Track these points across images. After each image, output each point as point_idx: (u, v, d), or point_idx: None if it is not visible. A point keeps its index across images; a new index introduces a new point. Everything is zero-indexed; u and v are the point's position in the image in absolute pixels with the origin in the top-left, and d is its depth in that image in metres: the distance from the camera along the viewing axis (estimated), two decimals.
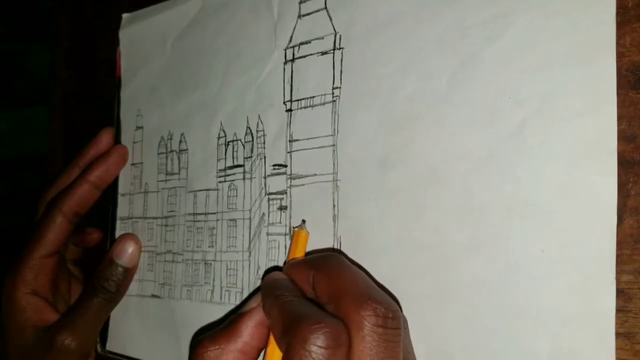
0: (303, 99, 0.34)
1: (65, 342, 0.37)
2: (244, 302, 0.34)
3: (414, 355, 0.27)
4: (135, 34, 0.45)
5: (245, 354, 0.26)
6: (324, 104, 0.33)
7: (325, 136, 0.33)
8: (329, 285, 0.25)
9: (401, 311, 0.25)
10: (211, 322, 0.37)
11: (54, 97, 0.59)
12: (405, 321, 0.27)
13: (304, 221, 0.32)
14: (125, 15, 0.46)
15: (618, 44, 0.24)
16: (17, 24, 0.86)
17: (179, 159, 0.41)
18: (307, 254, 0.31)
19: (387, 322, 0.23)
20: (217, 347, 0.26)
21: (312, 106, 0.34)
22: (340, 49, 0.33)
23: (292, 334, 0.23)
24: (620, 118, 0.24)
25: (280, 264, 0.34)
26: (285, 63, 0.35)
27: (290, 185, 0.34)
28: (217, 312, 0.37)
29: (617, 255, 0.23)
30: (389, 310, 0.23)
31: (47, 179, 0.56)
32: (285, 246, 0.34)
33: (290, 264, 0.29)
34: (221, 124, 0.38)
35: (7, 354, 0.40)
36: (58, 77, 0.58)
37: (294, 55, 0.35)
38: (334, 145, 0.32)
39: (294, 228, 0.32)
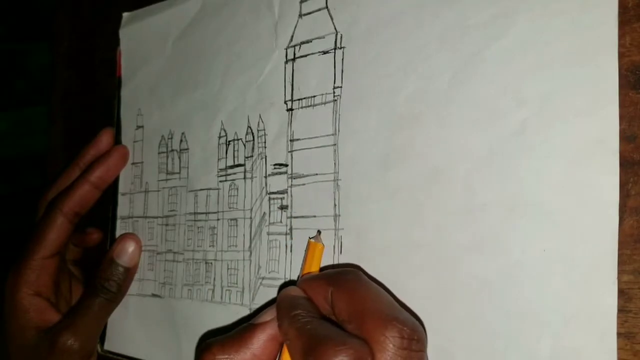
0: (304, 98, 0.34)
1: (68, 342, 0.38)
2: (254, 310, 0.35)
3: None
4: (136, 33, 0.45)
5: None
6: (324, 103, 0.33)
7: (326, 135, 0.33)
8: (350, 303, 0.24)
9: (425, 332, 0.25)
10: (219, 326, 0.37)
11: (54, 97, 0.59)
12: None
13: (319, 232, 0.32)
14: (125, 14, 0.46)
15: (618, 44, 0.24)
16: (17, 24, 0.86)
17: (179, 158, 0.41)
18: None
19: (411, 345, 0.22)
20: (225, 355, 0.25)
21: (313, 105, 0.34)
22: (341, 48, 0.33)
23: (315, 355, 0.22)
24: (620, 118, 0.24)
25: (281, 264, 0.34)
26: (286, 62, 0.35)
27: (291, 184, 0.34)
28: (217, 312, 0.37)
29: (618, 256, 0.23)
30: (414, 332, 0.22)
31: (47, 179, 0.56)
32: (286, 245, 0.34)
33: (306, 279, 0.28)
34: (222, 124, 0.38)
35: (8, 355, 0.40)
36: (58, 77, 0.58)
37: (294, 54, 0.35)
38: (334, 144, 0.32)
39: (309, 239, 0.31)
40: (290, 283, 0.33)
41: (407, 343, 0.22)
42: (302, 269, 0.31)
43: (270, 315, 0.27)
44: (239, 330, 0.27)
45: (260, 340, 0.26)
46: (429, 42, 0.29)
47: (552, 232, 0.25)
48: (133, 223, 0.44)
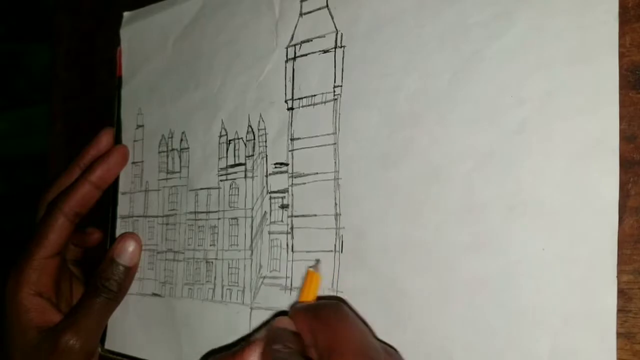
0: (304, 97, 0.34)
1: (69, 342, 0.38)
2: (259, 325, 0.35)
3: None
4: (136, 33, 0.45)
5: None
6: (325, 102, 0.33)
7: (327, 134, 0.33)
8: (325, 338, 0.25)
9: None
10: (221, 345, 0.37)
11: (55, 97, 0.59)
12: None
13: (318, 261, 0.32)
14: (126, 14, 0.46)
15: (618, 44, 0.24)
16: (17, 24, 0.86)
17: (180, 157, 0.41)
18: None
19: None
20: None
21: (314, 104, 0.34)
22: (341, 47, 0.33)
23: None
24: (620, 118, 0.24)
25: (282, 263, 0.34)
26: (287, 61, 0.35)
27: (292, 183, 0.34)
28: (218, 311, 0.37)
29: (617, 255, 0.23)
30: None
31: (47, 179, 0.57)
32: (287, 244, 0.34)
33: (295, 310, 0.29)
34: (222, 123, 0.38)
35: (9, 356, 0.40)
36: (58, 77, 0.59)
37: (295, 53, 0.35)
38: (335, 143, 0.32)
39: (308, 268, 0.32)
40: (282, 313, 0.34)
41: None
42: (299, 296, 0.31)
43: (262, 334, 0.27)
44: (236, 349, 0.27)
45: (252, 358, 0.27)
46: (429, 41, 0.29)
47: (552, 231, 0.25)
48: (133, 222, 0.44)
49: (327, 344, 0.25)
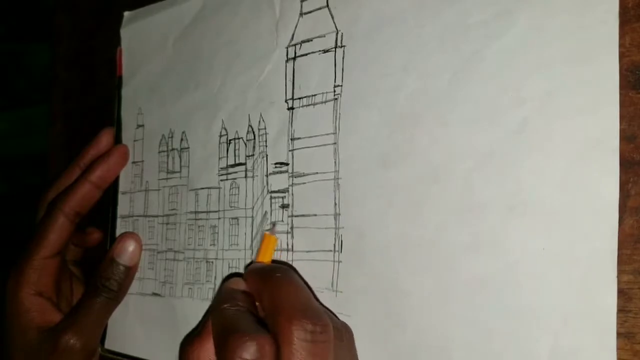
0: (304, 97, 0.34)
1: (70, 342, 0.38)
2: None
3: None
4: (137, 32, 0.46)
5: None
6: (325, 102, 0.33)
7: (327, 134, 0.33)
8: (269, 299, 0.27)
9: (347, 327, 0.29)
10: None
11: (54, 97, 0.59)
12: (347, 333, 0.29)
13: (274, 224, 0.34)
14: (126, 13, 0.46)
15: (618, 44, 0.24)
16: (17, 24, 0.86)
17: (180, 157, 0.41)
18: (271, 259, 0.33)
19: (315, 337, 0.24)
20: (194, 349, 0.27)
21: (314, 104, 0.34)
22: (341, 47, 0.33)
23: (224, 344, 0.25)
24: (620, 118, 0.24)
25: (283, 261, 0.34)
26: (287, 61, 0.35)
27: (292, 183, 0.34)
28: None
29: (617, 255, 0.23)
30: (317, 325, 0.25)
31: (47, 179, 0.56)
32: (287, 244, 0.34)
33: (248, 271, 0.30)
34: (222, 122, 0.38)
35: (10, 356, 0.40)
36: (58, 77, 0.59)
37: (295, 53, 0.35)
38: (335, 143, 0.32)
39: (265, 231, 0.34)
40: (236, 275, 0.34)
41: (311, 335, 0.24)
42: (255, 257, 0.33)
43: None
44: (201, 323, 0.29)
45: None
46: (429, 41, 0.29)
47: (552, 231, 0.25)
48: (133, 222, 0.44)
49: (271, 303, 0.27)
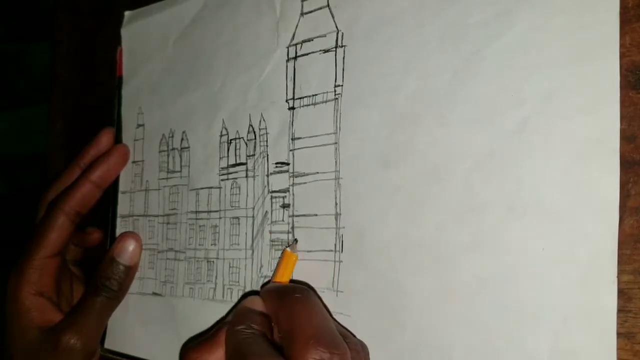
0: (305, 96, 0.34)
1: (70, 342, 0.38)
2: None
3: None
4: (137, 32, 0.46)
5: None
6: (326, 101, 0.33)
7: (328, 134, 0.33)
8: (286, 321, 0.26)
9: (366, 350, 0.28)
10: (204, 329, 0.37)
11: (55, 97, 0.59)
12: (364, 354, 0.28)
13: (296, 241, 0.33)
14: (127, 13, 0.46)
15: (618, 44, 0.24)
16: (17, 24, 0.86)
17: (180, 156, 0.41)
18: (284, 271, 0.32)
19: None
20: (200, 355, 0.27)
21: (314, 104, 0.34)
22: (342, 46, 0.33)
23: None
24: (620, 118, 0.24)
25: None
26: (288, 61, 0.35)
27: (293, 183, 0.34)
28: (219, 310, 0.37)
29: (617, 255, 0.23)
30: (334, 354, 0.24)
31: (47, 179, 0.56)
32: (288, 244, 0.34)
33: (266, 290, 0.30)
34: (223, 122, 0.38)
35: (10, 355, 0.40)
36: (58, 76, 0.58)
37: (296, 53, 0.35)
38: (336, 143, 0.32)
39: (285, 248, 0.33)
40: (253, 292, 0.34)
41: None
42: (273, 276, 0.32)
43: (231, 315, 0.28)
44: (213, 331, 0.28)
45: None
46: (429, 40, 0.29)
47: (552, 231, 0.25)
48: (133, 221, 0.44)
49: (288, 327, 0.26)
